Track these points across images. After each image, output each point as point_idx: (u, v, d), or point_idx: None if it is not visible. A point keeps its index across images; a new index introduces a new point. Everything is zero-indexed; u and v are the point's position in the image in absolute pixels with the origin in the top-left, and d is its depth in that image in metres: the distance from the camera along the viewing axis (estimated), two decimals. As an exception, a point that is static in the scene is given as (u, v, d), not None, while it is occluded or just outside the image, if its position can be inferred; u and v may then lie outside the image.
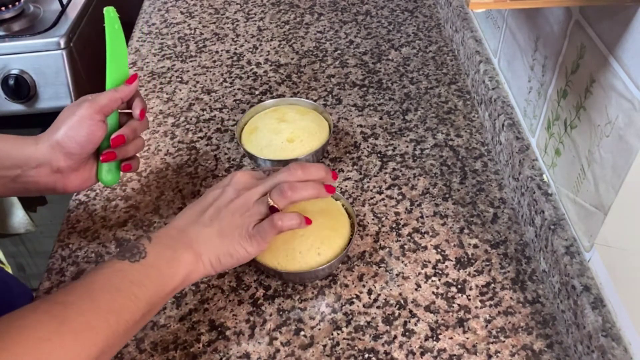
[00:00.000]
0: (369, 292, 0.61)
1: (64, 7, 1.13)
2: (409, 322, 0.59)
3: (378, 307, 0.60)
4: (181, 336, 0.58)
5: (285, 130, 0.74)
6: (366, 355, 0.56)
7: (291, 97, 0.88)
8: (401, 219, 0.69)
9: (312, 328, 0.59)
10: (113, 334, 0.44)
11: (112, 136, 0.60)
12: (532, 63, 0.68)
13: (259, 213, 0.54)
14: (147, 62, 0.98)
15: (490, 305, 0.60)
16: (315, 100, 0.87)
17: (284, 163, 0.71)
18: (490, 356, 0.55)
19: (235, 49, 1.00)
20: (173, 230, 0.54)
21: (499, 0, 0.43)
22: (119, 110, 0.63)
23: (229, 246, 0.53)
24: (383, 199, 0.72)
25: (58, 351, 0.40)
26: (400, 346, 0.57)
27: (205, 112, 0.87)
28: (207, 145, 0.81)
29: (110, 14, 0.59)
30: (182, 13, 1.12)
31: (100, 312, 0.44)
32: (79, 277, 0.65)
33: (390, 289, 0.62)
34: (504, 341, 0.56)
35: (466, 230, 0.67)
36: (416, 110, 0.85)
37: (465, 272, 0.63)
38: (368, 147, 0.79)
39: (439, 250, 0.65)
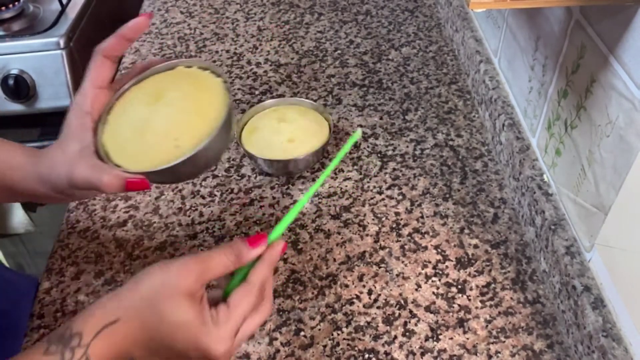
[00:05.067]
0: (369, 293, 0.61)
1: (63, 7, 1.13)
2: (409, 322, 0.58)
3: (378, 308, 0.60)
4: (181, 336, 0.58)
5: (285, 130, 0.74)
6: (366, 356, 0.56)
7: (291, 97, 0.88)
8: (401, 219, 0.69)
9: (312, 328, 0.58)
10: None
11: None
12: (533, 63, 0.68)
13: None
14: (147, 62, 0.98)
15: (491, 306, 0.59)
16: (315, 100, 0.87)
17: (284, 163, 0.71)
18: (490, 356, 0.55)
19: (235, 48, 1.00)
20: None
21: (499, 0, 0.43)
22: None
23: None
24: (383, 199, 0.71)
25: None
26: (401, 346, 0.57)
27: (205, 112, 0.87)
28: (207, 145, 0.81)
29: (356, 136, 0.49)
30: (182, 13, 1.11)
31: None
32: (78, 277, 0.65)
33: (391, 289, 0.62)
34: (504, 341, 0.56)
35: (466, 231, 0.67)
36: (416, 110, 0.85)
37: (466, 272, 0.63)
38: (368, 147, 0.79)
39: (439, 250, 0.65)
